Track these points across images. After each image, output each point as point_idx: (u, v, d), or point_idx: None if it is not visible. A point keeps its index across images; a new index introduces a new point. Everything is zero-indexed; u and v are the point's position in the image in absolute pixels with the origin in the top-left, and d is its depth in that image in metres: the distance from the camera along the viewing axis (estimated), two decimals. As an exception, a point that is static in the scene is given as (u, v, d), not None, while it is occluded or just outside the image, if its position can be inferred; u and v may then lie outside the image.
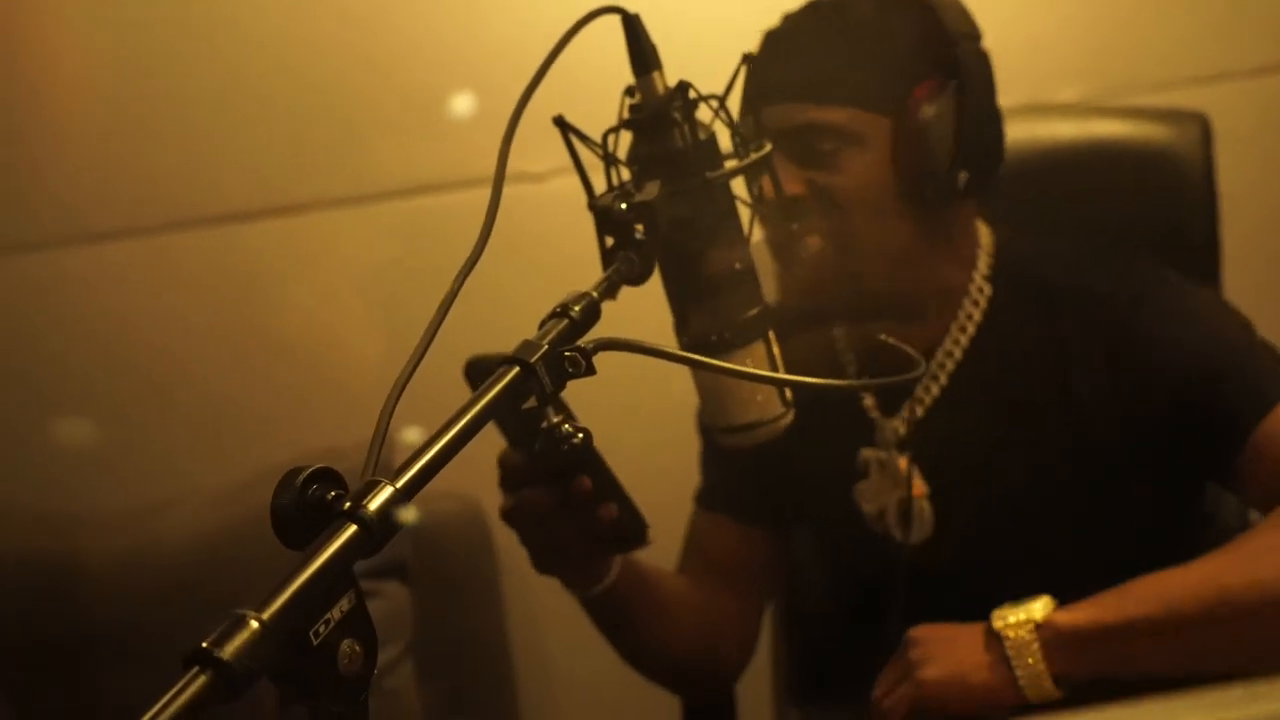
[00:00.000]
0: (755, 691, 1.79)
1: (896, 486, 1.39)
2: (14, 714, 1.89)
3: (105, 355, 2.23)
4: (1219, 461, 1.27)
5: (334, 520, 0.71)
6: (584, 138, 1.00)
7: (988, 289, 1.38)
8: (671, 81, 1.00)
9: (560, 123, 1.00)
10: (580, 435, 0.87)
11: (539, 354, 0.84)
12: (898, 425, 1.40)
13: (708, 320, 1.02)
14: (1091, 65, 2.09)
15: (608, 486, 1.15)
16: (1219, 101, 1.76)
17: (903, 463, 1.38)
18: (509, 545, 1.35)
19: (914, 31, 1.30)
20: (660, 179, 0.97)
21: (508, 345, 0.87)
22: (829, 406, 1.43)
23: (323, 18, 2.13)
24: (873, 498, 1.41)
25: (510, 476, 1.18)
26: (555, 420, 0.87)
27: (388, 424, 0.78)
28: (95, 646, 1.89)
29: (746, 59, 1.04)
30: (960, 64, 1.29)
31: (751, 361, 1.03)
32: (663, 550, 1.43)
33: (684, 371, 1.04)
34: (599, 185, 1.04)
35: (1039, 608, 1.18)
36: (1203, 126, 1.62)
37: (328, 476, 0.74)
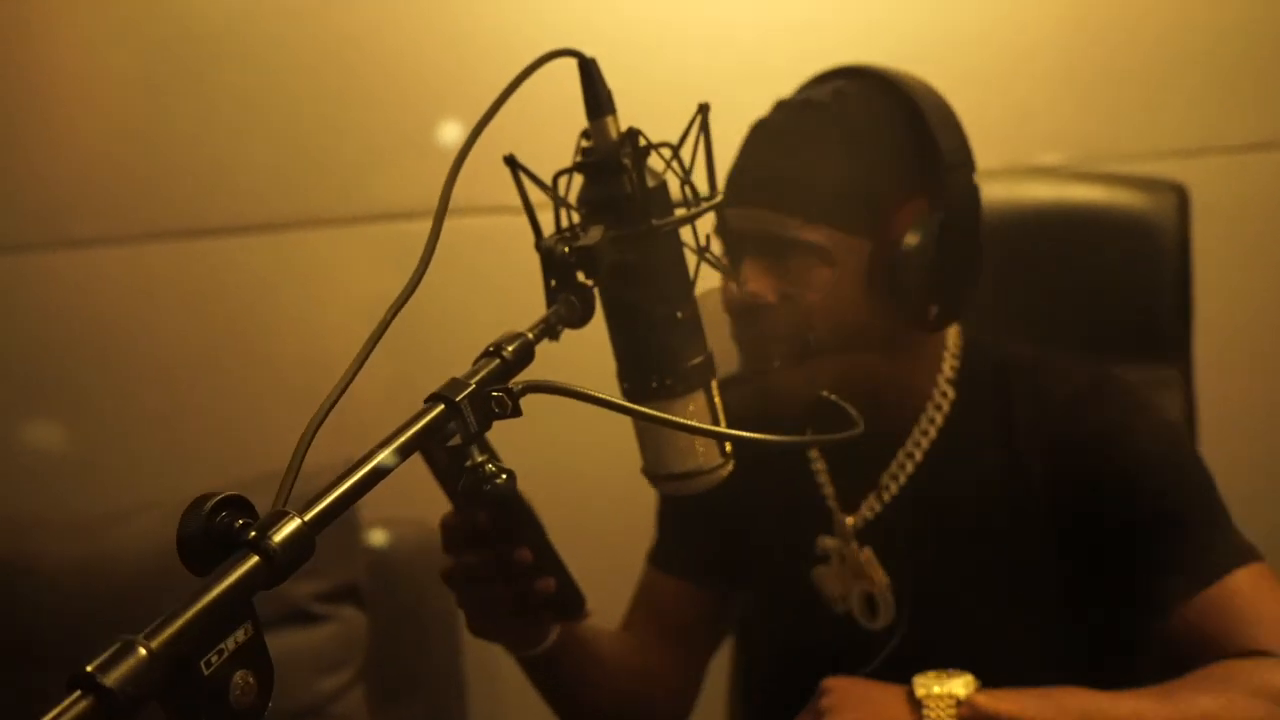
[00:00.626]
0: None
1: (858, 578, 1.39)
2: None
3: (79, 360, 2.24)
4: (1141, 615, 1.28)
5: (237, 549, 0.71)
6: (534, 178, 1.00)
7: (951, 393, 1.36)
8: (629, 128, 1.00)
9: (510, 162, 1.00)
10: (504, 476, 0.87)
11: (465, 393, 0.84)
12: (855, 520, 1.39)
13: (648, 366, 1.01)
14: (1075, 132, 2.10)
15: (547, 559, 1.14)
16: (1199, 175, 1.77)
17: (864, 555, 1.38)
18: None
19: (907, 150, 1.26)
20: (605, 224, 0.97)
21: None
22: (790, 488, 1.43)
23: (324, 41, 2.14)
24: (834, 584, 1.41)
25: (452, 539, 1.16)
26: (479, 460, 0.86)
27: (304, 455, 0.78)
28: (35, 650, 1.87)
29: (702, 109, 1.03)
30: (949, 195, 1.25)
31: (693, 409, 1.02)
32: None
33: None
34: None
35: (962, 685, 1.18)
36: (1180, 197, 1.63)
37: (238, 504, 0.73)
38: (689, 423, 0.98)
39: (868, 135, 1.26)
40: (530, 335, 0.91)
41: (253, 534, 0.71)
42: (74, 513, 2.07)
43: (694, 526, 1.48)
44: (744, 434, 0.97)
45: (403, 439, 0.80)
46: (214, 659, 0.68)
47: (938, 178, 1.25)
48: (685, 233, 1.03)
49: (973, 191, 1.29)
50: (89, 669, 0.62)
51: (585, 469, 1.90)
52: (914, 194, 1.25)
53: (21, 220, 2.22)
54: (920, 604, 1.34)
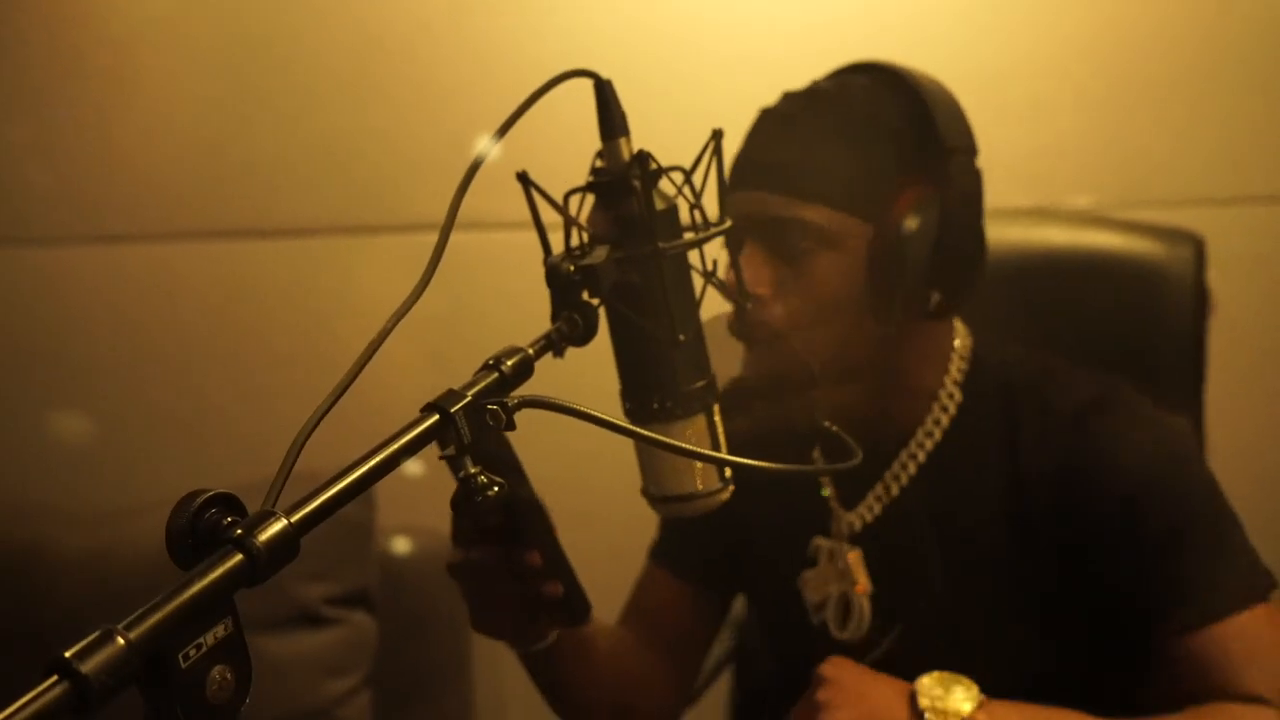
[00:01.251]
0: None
1: (841, 580, 1.38)
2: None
3: (103, 354, 2.26)
4: (1134, 642, 1.26)
5: (222, 546, 0.72)
6: (545, 196, 1.01)
7: (958, 395, 1.35)
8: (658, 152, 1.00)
9: (523, 179, 1.01)
10: (495, 489, 0.87)
11: (460, 404, 0.85)
12: (854, 520, 1.39)
13: (650, 388, 1.02)
14: (1101, 175, 2.10)
15: (557, 564, 1.14)
16: (1218, 224, 1.77)
17: (851, 557, 1.37)
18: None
19: (909, 135, 1.26)
20: (611, 244, 0.98)
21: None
22: (793, 488, 1.43)
23: (359, 54, 2.17)
24: (816, 587, 1.40)
25: (464, 533, 1.15)
26: (473, 471, 0.87)
27: (295, 457, 0.79)
28: (46, 637, 1.88)
29: (716, 135, 1.04)
30: (950, 178, 1.25)
31: (693, 433, 1.02)
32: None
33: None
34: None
35: (966, 699, 1.17)
36: (1196, 246, 1.62)
37: (227, 502, 0.75)
38: (685, 446, 0.98)
39: (868, 120, 1.26)
40: (530, 351, 0.92)
41: (238, 532, 0.72)
42: (88, 504, 2.10)
43: (697, 526, 1.48)
44: (743, 460, 0.97)
45: (394, 447, 0.81)
46: (192, 652, 0.69)
47: (939, 162, 1.25)
48: (693, 257, 1.03)
49: (975, 176, 1.28)
50: (67, 655, 0.64)
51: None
52: (915, 179, 1.25)
53: (58, 214, 2.25)
54: (909, 612, 1.34)
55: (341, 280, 2.21)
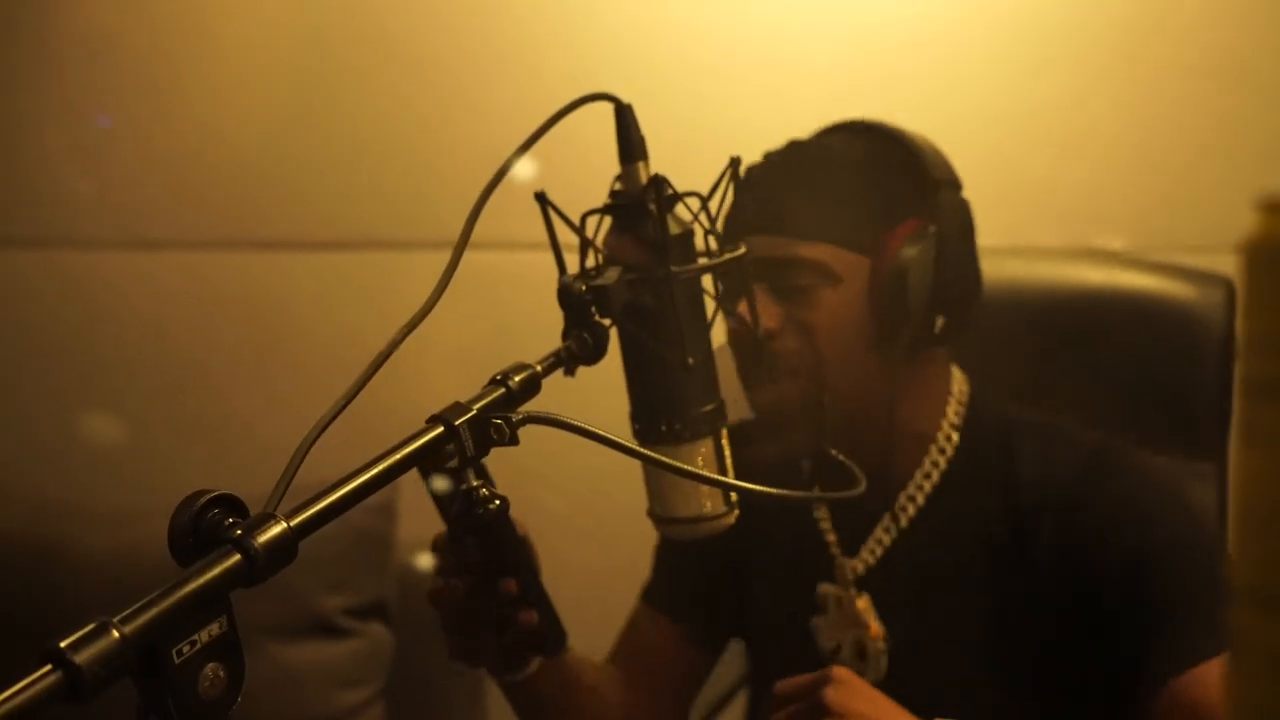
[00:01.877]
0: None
1: (853, 625, 1.38)
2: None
3: (131, 358, 2.29)
4: (1125, 687, 1.25)
5: (221, 546, 0.73)
6: (563, 216, 1.03)
7: (955, 437, 1.36)
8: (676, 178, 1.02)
9: (540, 199, 1.03)
10: (496, 502, 0.89)
11: (465, 417, 0.86)
12: (856, 565, 1.39)
13: (659, 410, 1.03)
14: (1135, 217, 2.09)
15: (533, 592, 1.14)
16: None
17: (860, 602, 1.37)
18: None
19: (896, 175, 1.30)
20: (623, 266, 0.99)
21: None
22: (792, 534, 1.43)
23: (396, 71, 2.19)
24: (829, 634, 1.40)
25: (442, 561, 1.16)
26: (474, 484, 0.89)
27: (299, 463, 0.80)
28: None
29: (733, 162, 1.05)
30: (940, 210, 1.29)
31: (700, 457, 1.03)
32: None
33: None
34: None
35: None
36: (1227, 290, 1.61)
37: (230, 503, 0.76)
38: (692, 469, 0.99)
39: (855, 163, 1.31)
40: (538, 368, 0.94)
41: (238, 533, 0.73)
42: (111, 505, 2.12)
43: (691, 569, 1.48)
44: (748, 485, 0.98)
45: (398, 456, 0.83)
46: (186, 649, 0.71)
47: (928, 196, 1.29)
48: (707, 281, 1.04)
49: (963, 207, 1.33)
50: (61, 645, 0.65)
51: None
52: (907, 214, 1.29)
53: (93, 219, 2.29)
54: (911, 655, 1.33)
55: (371, 294, 2.23)
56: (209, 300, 2.28)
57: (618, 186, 1.03)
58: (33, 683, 0.65)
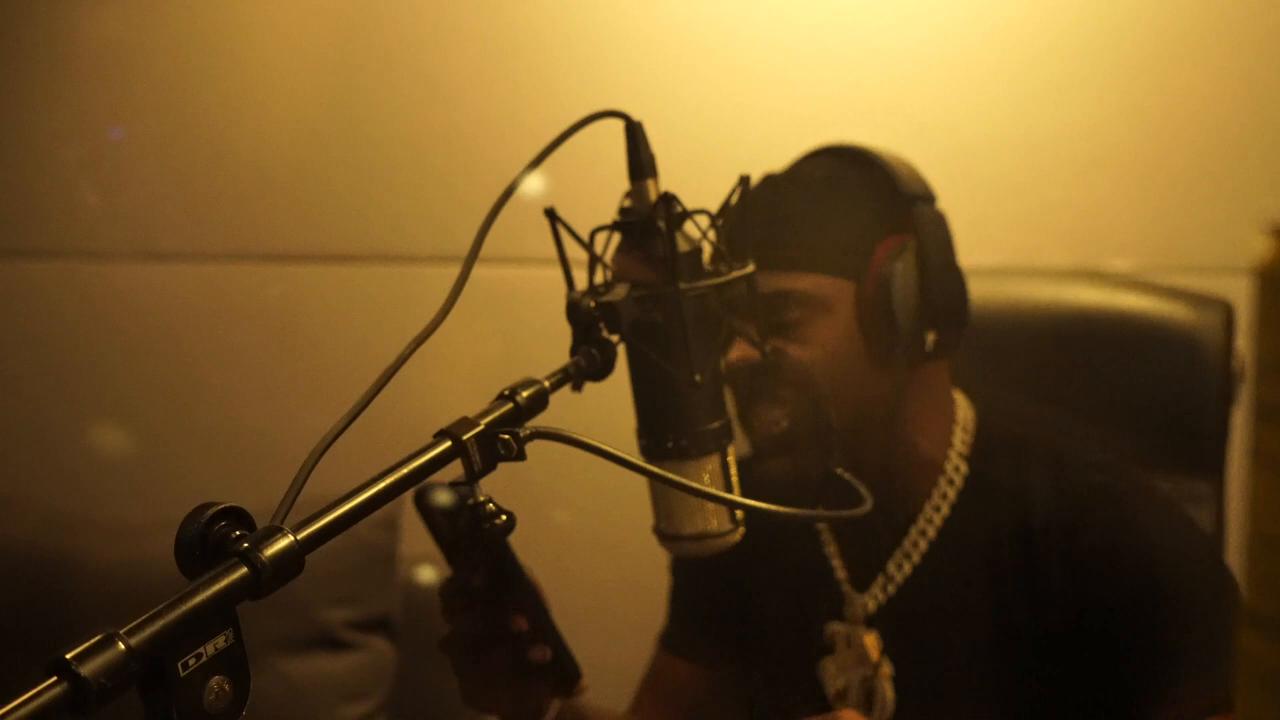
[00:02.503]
0: None
1: (861, 664, 1.37)
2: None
3: (143, 370, 2.29)
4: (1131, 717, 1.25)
5: (228, 559, 0.73)
6: (572, 232, 1.03)
7: (964, 468, 1.35)
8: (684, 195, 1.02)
9: (550, 214, 1.03)
10: (504, 517, 0.89)
11: (472, 432, 0.86)
12: (868, 601, 1.37)
13: (665, 426, 1.03)
14: (1141, 239, 2.09)
15: (544, 629, 1.14)
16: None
17: (869, 640, 1.36)
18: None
19: (869, 194, 1.31)
20: (632, 282, 0.99)
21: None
22: (801, 572, 1.42)
23: (408, 86, 2.20)
24: (837, 674, 1.39)
25: (449, 604, 1.16)
26: (481, 499, 0.88)
27: (306, 476, 0.80)
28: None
29: (743, 180, 1.05)
30: (917, 224, 1.29)
31: (706, 474, 1.03)
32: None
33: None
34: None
35: None
36: (1226, 313, 1.62)
37: (237, 515, 0.76)
38: (698, 486, 0.99)
39: (830, 189, 1.31)
40: (546, 383, 0.94)
41: (245, 545, 0.73)
42: (121, 517, 2.12)
43: (706, 609, 1.47)
44: (754, 503, 0.97)
45: (405, 470, 0.83)
46: (191, 661, 0.70)
47: (904, 212, 1.29)
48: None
49: (940, 219, 1.32)
50: (68, 656, 0.65)
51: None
52: (885, 232, 1.29)
53: (108, 230, 2.29)
54: (919, 692, 1.33)
55: (382, 307, 2.23)
56: (220, 312, 2.28)
57: (627, 203, 1.03)
58: (38, 694, 0.64)
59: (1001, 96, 2.07)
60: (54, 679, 0.65)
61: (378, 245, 2.24)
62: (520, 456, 0.87)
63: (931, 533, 1.35)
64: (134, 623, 0.68)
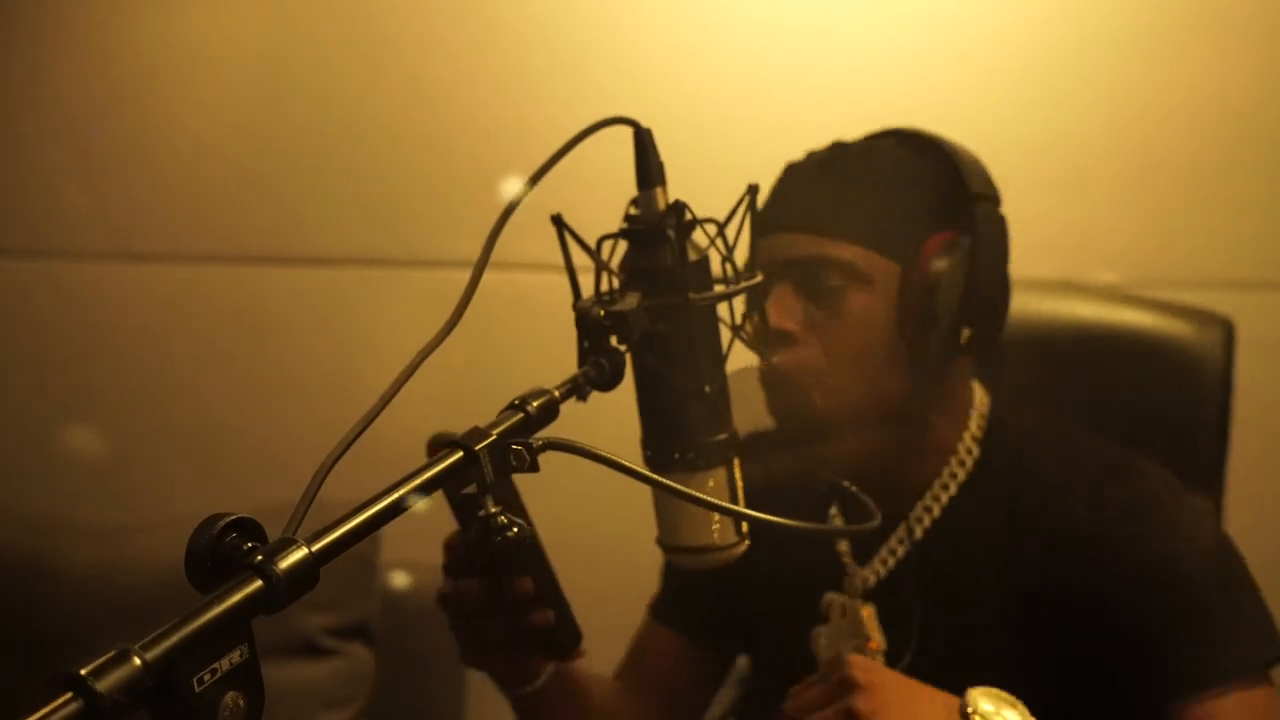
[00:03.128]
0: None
1: (854, 636, 1.36)
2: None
3: (122, 371, 2.27)
4: (1131, 706, 1.24)
5: (242, 571, 0.71)
6: (579, 240, 1.01)
7: (976, 450, 1.35)
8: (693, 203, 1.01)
9: (557, 221, 1.02)
10: (515, 530, 0.87)
11: (484, 442, 0.84)
12: (868, 575, 1.38)
13: (672, 437, 1.02)
14: (1132, 253, 2.10)
15: (548, 592, 1.13)
16: (1247, 308, 1.76)
17: (865, 613, 1.36)
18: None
19: (935, 184, 1.29)
20: (642, 292, 0.98)
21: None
22: (805, 543, 1.42)
23: (398, 93, 2.19)
24: (829, 644, 1.39)
25: (453, 562, 1.15)
26: (493, 510, 0.87)
27: (318, 486, 0.79)
28: (50, 647, 1.89)
29: (751, 190, 1.04)
30: (976, 222, 1.27)
31: (712, 485, 1.02)
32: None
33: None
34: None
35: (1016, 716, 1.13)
36: (1226, 329, 1.62)
37: (249, 527, 0.74)
38: (704, 497, 0.97)
39: (895, 168, 1.30)
40: (556, 394, 0.92)
41: (259, 558, 0.72)
42: (97, 520, 2.10)
43: (701, 582, 1.46)
44: (762, 515, 0.96)
45: (418, 481, 0.81)
46: (206, 677, 0.69)
47: (965, 208, 1.28)
48: (723, 309, 1.03)
49: (999, 221, 1.31)
50: (82, 672, 0.63)
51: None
52: (942, 225, 1.28)
53: (88, 230, 2.27)
54: (910, 669, 1.32)
55: (362, 312, 2.22)
56: (200, 313, 2.26)
57: (632, 210, 1.02)
58: (51, 711, 0.63)
59: (992, 109, 2.09)
60: (69, 695, 0.63)
61: (358, 248, 2.23)
62: (533, 468, 0.86)
63: (936, 510, 1.35)
64: (148, 637, 0.66)
